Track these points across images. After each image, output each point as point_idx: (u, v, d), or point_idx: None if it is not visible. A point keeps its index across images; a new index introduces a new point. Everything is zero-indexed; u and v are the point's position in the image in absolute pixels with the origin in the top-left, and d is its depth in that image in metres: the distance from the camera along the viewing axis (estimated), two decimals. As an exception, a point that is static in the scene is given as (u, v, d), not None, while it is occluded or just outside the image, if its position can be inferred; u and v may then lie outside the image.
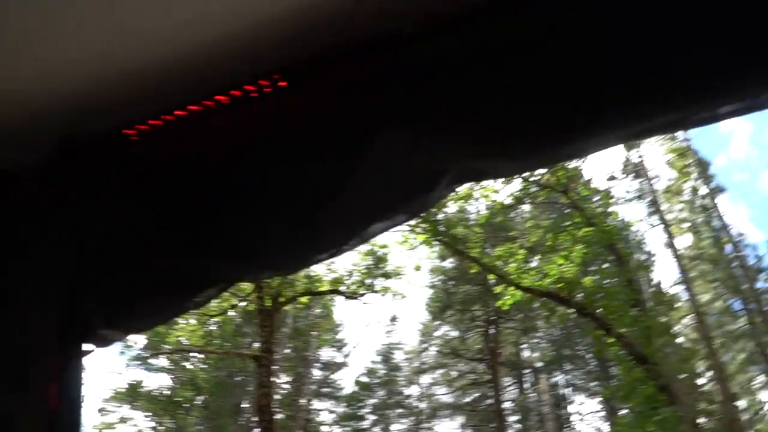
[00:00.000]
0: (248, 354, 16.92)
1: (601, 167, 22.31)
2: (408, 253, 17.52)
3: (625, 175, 22.06)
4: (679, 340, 21.39)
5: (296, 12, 1.26)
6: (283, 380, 28.04)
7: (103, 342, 1.56)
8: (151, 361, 22.47)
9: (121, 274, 1.51)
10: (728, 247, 24.78)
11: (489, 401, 26.50)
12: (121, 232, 1.53)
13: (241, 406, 27.12)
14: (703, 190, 24.74)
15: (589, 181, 16.37)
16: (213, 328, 19.96)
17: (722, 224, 24.71)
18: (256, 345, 16.97)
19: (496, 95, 1.25)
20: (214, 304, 15.08)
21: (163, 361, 23.82)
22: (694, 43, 1.13)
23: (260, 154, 1.45)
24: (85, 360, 1.50)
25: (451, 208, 14.82)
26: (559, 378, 29.24)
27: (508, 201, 15.41)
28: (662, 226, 22.44)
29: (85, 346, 1.52)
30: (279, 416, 21.46)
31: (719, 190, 24.95)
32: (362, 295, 18.52)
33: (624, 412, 17.67)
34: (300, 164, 1.40)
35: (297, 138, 1.41)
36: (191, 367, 25.28)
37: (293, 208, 1.42)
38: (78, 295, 1.47)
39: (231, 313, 18.48)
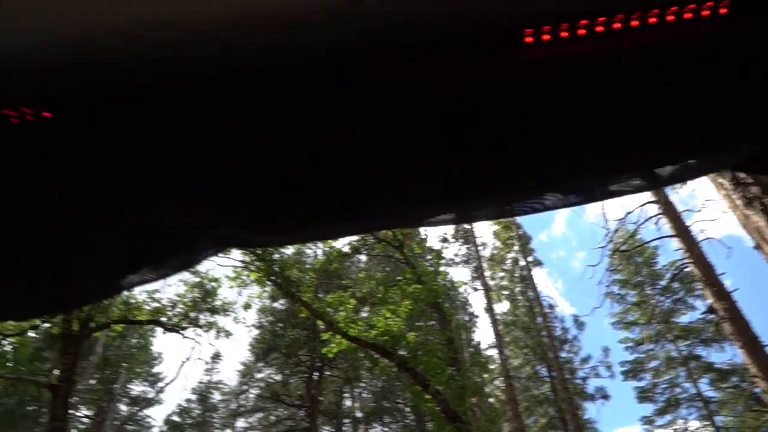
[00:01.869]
0: (43, 382, 15.09)
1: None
2: (238, 289, 16.92)
3: (455, 240, 23.45)
4: (490, 400, 22.66)
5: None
6: (82, 414, 25.37)
7: None
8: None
9: None
10: (539, 318, 27.10)
11: (304, 451, 25.90)
12: None
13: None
14: (523, 262, 27.01)
15: (424, 240, 17.07)
16: (7, 348, 17.62)
17: (536, 295, 27.07)
18: (56, 373, 15.24)
19: (247, 166, 1.19)
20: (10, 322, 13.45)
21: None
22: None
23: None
24: None
25: (289, 249, 14.61)
26: (378, 429, 29.50)
27: (346, 249, 15.53)
28: (484, 290, 23.99)
29: None
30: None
31: (537, 263, 27.43)
32: (184, 328, 17.57)
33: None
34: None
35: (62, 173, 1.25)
36: (-23, 391, 22.06)
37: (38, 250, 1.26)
38: None
39: (31, 334, 16.58)
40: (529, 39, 1.30)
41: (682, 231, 14.83)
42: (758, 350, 13.12)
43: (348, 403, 29.68)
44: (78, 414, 25.29)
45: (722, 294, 14.02)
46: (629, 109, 1.30)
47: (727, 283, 13.84)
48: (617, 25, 1.33)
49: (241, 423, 29.07)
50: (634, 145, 1.29)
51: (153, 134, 1.19)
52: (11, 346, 17.64)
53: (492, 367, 24.00)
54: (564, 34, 1.32)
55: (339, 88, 1.18)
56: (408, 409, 27.95)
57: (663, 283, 26.47)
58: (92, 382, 25.83)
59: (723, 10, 1.33)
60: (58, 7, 1.02)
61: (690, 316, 26.19)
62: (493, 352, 24.90)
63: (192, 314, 17.34)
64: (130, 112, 1.20)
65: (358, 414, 29.04)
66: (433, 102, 1.18)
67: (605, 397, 26.85)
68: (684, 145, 1.28)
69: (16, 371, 18.75)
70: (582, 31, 1.32)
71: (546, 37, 1.30)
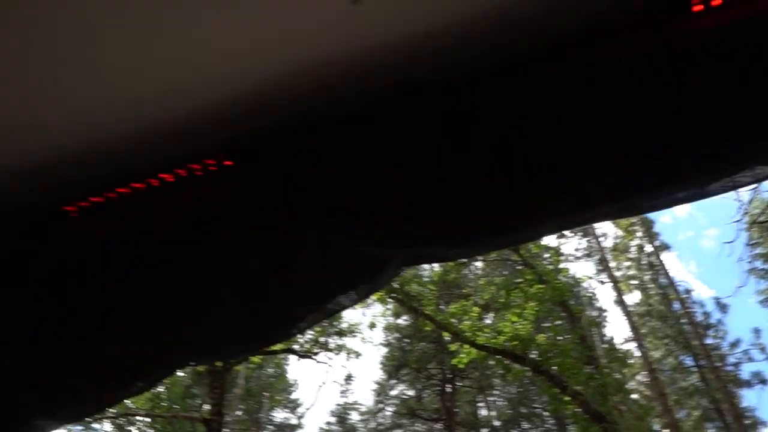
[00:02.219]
0: (198, 417, 16.16)
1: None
2: (362, 310, 17.34)
3: (573, 234, 22.62)
4: (634, 396, 21.49)
5: (235, 95, 1.24)
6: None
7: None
8: (94, 425, 21.22)
9: (55, 362, 1.42)
10: (676, 304, 25.40)
11: (447, 463, 25.84)
12: (56, 315, 1.44)
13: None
14: (649, 248, 25.52)
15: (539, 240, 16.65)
16: (161, 389, 19.10)
17: (669, 281, 25.41)
18: (206, 407, 16.28)
19: (437, 183, 1.22)
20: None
21: (107, 427, 22.53)
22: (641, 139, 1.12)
23: (199, 234, 1.40)
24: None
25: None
26: (518, 437, 28.86)
27: (461, 259, 15.47)
28: (611, 283, 22.91)
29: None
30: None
31: (664, 247, 25.78)
32: (316, 353, 18.16)
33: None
34: (242, 247, 1.36)
35: (238, 223, 1.37)
36: (137, 431, 23.99)
37: (232, 294, 1.36)
38: (11, 384, 1.39)
39: (180, 373, 17.81)
40: (698, 7, 1.18)
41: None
42: None
43: (483, 412, 29.30)
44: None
45: None
46: None
47: None
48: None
49: (381, 441, 29.56)
50: None
51: (344, 167, 1.29)
52: (164, 387, 19.12)
53: (631, 361, 22.78)
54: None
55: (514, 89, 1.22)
56: (547, 414, 27.10)
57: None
58: (238, 413, 27.26)
59: None
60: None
61: None
62: (631, 346, 23.64)
63: (321, 339, 17.93)
64: (313, 147, 1.31)
65: (496, 423, 28.57)
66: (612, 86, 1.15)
67: (763, 381, 24.58)
68: None
69: (171, 409, 20.26)
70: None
71: (716, 1, 1.17)
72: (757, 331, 28.39)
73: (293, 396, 31.39)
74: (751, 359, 25.21)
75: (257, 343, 1.41)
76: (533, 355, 13.67)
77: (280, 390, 30.03)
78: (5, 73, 1.07)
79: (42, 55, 1.05)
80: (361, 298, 1.34)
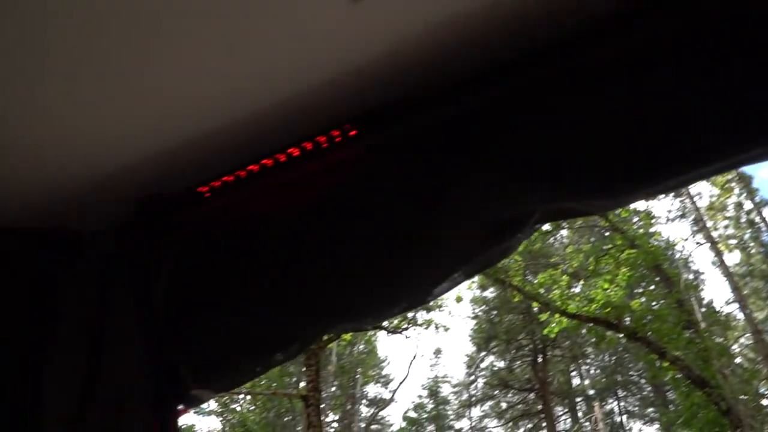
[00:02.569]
0: (295, 394, 16.83)
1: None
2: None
3: (664, 195, 21.55)
4: (738, 360, 20.52)
5: (371, 62, 1.25)
6: (331, 419, 27.80)
7: (194, 403, 1.53)
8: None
9: (208, 332, 1.50)
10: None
11: (542, 432, 25.77)
12: (205, 290, 1.53)
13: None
14: (748, 204, 24.00)
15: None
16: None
17: (772, 238, 23.85)
18: (303, 384, 16.90)
19: (588, 131, 1.19)
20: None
21: (212, 404, 23.93)
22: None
23: (339, 204, 1.42)
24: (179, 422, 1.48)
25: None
26: (614, 405, 28.29)
27: (546, 227, 15.23)
28: (709, 244, 21.79)
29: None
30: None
31: (765, 203, 24.15)
32: (405, 329, 18.38)
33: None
34: (383, 213, 1.37)
35: (377, 187, 1.39)
36: (240, 409, 25.32)
37: (376, 258, 1.37)
38: (170, 355, 1.47)
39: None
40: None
41: None
42: None
43: (577, 381, 28.89)
44: (326, 419, 27.61)
45: None
46: None
47: None
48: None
49: (474, 412, 29.83)
50: None
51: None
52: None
53: (734, 324, 21.72)
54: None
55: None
56: (644, 381, 26.36)
57: None
58: (333, 389, 28.16)
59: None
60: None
61: None
62: (733, 308, 22.49)
63: (410, 314, 18.14)
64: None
65: (590, 391, 28.10)
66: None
67: None
68: None
69: (270, 387, 21.20)
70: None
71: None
72: None
73: (385, 371, 32.06)
74: None
75: (399, 306, 1.39)
76: (627, 321, 13.33)
77: (372, 366, 30.69)
78: (142, 59, 1.12)
79: (178, 38, 1.11)
80: (499, 257, 1.31)
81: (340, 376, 28.13)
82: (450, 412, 31.24)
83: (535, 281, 14.82)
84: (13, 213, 1.56)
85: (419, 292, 1.37)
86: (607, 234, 15.73)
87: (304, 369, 16.57)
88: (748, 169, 24.24)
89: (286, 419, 26.74)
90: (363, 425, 29.98)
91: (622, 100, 1.18)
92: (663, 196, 20.68)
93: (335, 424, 28.42)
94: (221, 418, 25.38)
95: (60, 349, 1.53)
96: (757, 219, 23.96)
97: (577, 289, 14.47)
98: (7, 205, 1.53)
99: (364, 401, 31.40)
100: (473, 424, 29.62)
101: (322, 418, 16.69)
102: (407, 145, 1.37)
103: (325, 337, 16.31)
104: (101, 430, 1.40)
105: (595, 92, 1.20)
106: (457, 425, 30.66)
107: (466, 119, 1.30)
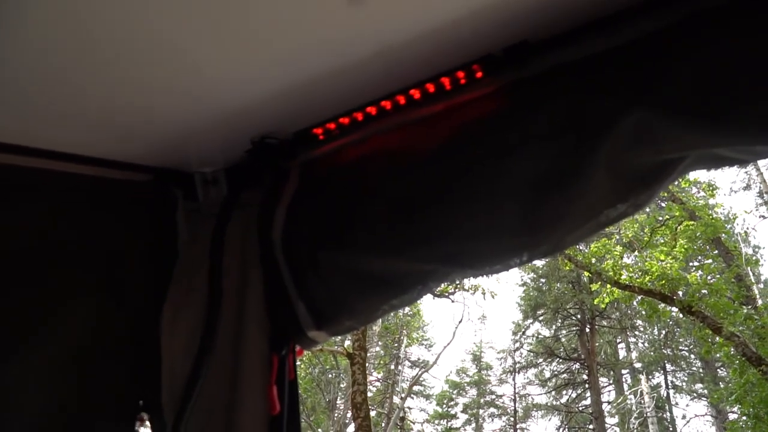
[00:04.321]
0: (342, 351, 17.20)
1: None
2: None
3: (737, 166, 20.59)
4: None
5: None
6: (374, 378, 28.35)
7: (310, 344, 1.54)
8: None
9: (325, 274, 1.48)
10: None
11: (586, 402, 25.67)
12: (323, 231, 1.51)
13: (336, 402, 27.68)
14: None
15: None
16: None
17: None
18: (348, 343, 17.26)
19: (747, 70, 1.06)
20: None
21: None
22: None
23: (470, 147, 1.34)
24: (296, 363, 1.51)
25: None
26: (660, 379, 27.88)
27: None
28: (775, 217, 20.88)
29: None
30: (372, 413, 21.70)
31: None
32: (452, 293, 18.40)
33: (735, 416, 16.58)
34: (518, 155, 1.28)
35: (513, 127, 1.30)
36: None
37: (507, 203, 1.29)
38: (287, 296, 1.47)
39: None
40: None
41: None
42: None
43: (623, 353, 28.52)
44: (370, 378, 28.15)
45: None
46: None
47: None
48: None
49: (518, 379, 29.92)
50: None
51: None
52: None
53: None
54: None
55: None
56: (694, 356, 25.81)
57: None
58: (377, 349, 28.66)
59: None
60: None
61: None
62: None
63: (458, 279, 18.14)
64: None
65: (637, 364, 27.72)
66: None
67: None
68: None
69: (316, 344, 21.71)
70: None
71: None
72: None
73: (428, 334, 32.37)
74: None
75: (522, 255, 1.30)
76: (682, 295, 13.00)
77: (416, 328, 31.01)
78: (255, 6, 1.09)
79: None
80: (641, 204, 1.19)
81: (384, 336, 28.56)
82: (492, 378, 31.44)
83: (587, 250, 14.55)
84: (136, 150, 1.57)
85: (548, 241, 1.28)
86: (664, 204, 15.25)
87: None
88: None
89: (330, 375, 27.40)
90: (405, 385, 30.50)
91: None
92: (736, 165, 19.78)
93: (378, 383, 28.97)
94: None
95: (178, 289, 1.57)
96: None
97: (630, 260, 14.17)
98: (132, 143, 1.54)
99: (407, 362, 31.86)
100: (516, 390, 29.76)
101: (366, 376, 17.07)
102: (547, 84, 1.27)
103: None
104: (222, 368, 1.44)
105: (755, 31, 1.08)
106: (499, 391, 30.87)
107: (614, 57, 1.20)
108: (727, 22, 1.10)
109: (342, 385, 26.60)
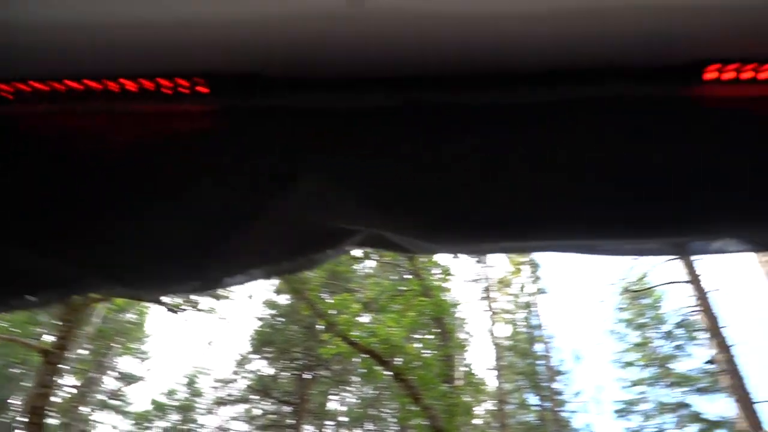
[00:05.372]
0: (36, 346, 15.03)
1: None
2: (244, 279, 16.91)
3: (467, 257, 23.37)
4: (478, 422, 22.54)
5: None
6: (68, 383, 25.34)
7: None
8: None
9: None
10: (538, 346, 26.97)
11: (285, 446, 25.84)
12: None
13: (11, 401, 24.08)
14: (530, 288, 26.93)
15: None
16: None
17: (538, 323, 26.96)
18: (49, 338, 15.21)
19: (423, 172, 1.16)
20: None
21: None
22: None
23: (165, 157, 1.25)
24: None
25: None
26: (359, 435, 29.39)
27: (358, 252, 15.54)
28: (488, 312, 23.93)
29: None
30: (52, 421, 19.23)
31: (543, 291, 27.29)
32: (184, 310, 17.56)
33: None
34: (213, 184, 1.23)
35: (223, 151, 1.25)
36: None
37: (186, 230, 1.24)
38: None
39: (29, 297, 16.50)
40: (711, 75, 1.24)
41: (694, 278, 14.76)
42: (749, 406, 13.09)
43: (334, 405, 29.60)
44: (63, 382, 25.25)
45: (724, 346, 13.96)
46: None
47: (729, 336, 13.79)
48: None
49: (225, 411, 29.04)
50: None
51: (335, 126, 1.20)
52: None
53: (484, 388, 23.88)
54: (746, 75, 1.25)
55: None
56: (393, 420, 27.80)
57: (666, 327, 26.28)
58: (83, 351, 25.83)
59: None
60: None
61: (688, 364, 26.00)
62: (488, 375, 24.81)
63: (194, 297, 17.33)
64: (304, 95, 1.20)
65: (342, 418, 28.94)
66: (616, 125, 1.18)
67: (591, 432, 26.63)
68: None
69: (8, 332, 18.79)
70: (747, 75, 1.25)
71: (729, 75, 1.24)
72: (599, 387, 30.77)
73: (146, 347, 30.19)
74: (586, 411, 27.27)
75: (188, 285, 1.26)
76: (398, 362, 13.94)
77: (135, 338, 28.80)
78: None
79: None
80: (305, 266, 1.25)
81: (95, 339, 25.88)
82: (201, 406, 30.10)
83: (329, 301, 14.95)
84: None
85: (209, 278, 1.28)
86: (407, 276, 16.45)
87: (57, 322, 15.00)
88: (539, 257, 27.29)
89: (15, 370, 23.99)
90: (104, 397, 27.74)
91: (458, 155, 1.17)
92: (471, 257, 22.35)
93: (71, 390, 25.91)
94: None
95: None
96: (533, 302, 26.97)
97: (366, 319, 14.88)
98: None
99: (113, 372, 29.15)
100: (220, 423, 28.80)
101: (57, 379, 15.14)
102: (263, 122, 1.24)
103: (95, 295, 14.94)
104: None
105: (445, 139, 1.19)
106: (204, 420, 29.60)
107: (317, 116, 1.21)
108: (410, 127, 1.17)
109: (26, 385, 23.30)
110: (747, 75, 1.24)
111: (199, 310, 18.45)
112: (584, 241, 1.22)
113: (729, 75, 1.23)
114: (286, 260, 1.24)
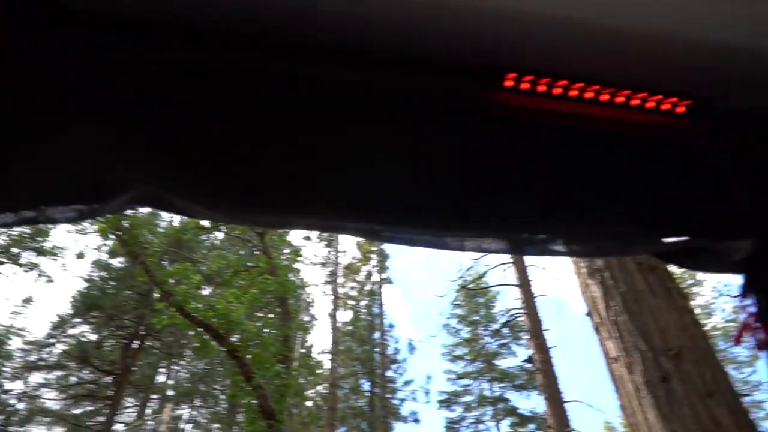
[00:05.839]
0: None
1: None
2: (76, 235, 15.60)
3: (318, 240, 23.43)
4: (308, 404, 22.74)
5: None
6: None
7: None
8: None
9: None
10: (377, 334, 27.81)
11: (101, 418, 24.18)
12: None
13: None
14: (376, 277, 27.65)
15: (287, 232, 16.83)
16: None
17: (380, 312, 27.77)
18: None
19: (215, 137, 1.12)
20: None
21: None
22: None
23: None
24: None
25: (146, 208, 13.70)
26: (186, 412, 28.37)
27: (205, 223, 14.91)
28: (332, 296, 24.18)
29: None
30: None
31: (389, 282, 28.15)
32: (1, 263, 15.98)
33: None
34: None
35: None
36: None
37: None
38: None
39: None
40: (509, 83, 1.31)
41: (524, 282, 15.99)
42: (559, 404, 14.52)
43: (162, 378, 28.29)
44: None
45: (543, 348, 15.32)
46: (572, 177, 1.32)
47: (549, 338, 15.21)
48: (589, 95, 1.37)
49: (35, 377, 26.51)
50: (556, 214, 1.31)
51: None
52: None
53: (319, 371, 24.14)
54: (542, 88, 1.34)
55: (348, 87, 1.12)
56: (223, 397, 27.19)
57: (495, 326, 28.34)
58: None
59: (681, 109, 1.42)
60: None
61: (510, 362, 28.30)
62: (325, 358, 25.08)
63: (14, 250, 15.69)
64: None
65: (170, 392, 27.73)
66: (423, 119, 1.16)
67: (416, 421, 28.00)
68: (620, 227, 1.33)
69: None
70: (558, 91, 1.35)
71: (525, 86, 1.32)
72: (428, 378, 32.45)
73: (-51, 300, 26.68)
74: (415, 399, 28.64)
75: None
76: (235, 338, 13.60)
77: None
78: None
79: None
80: (78, 218, 1.12)
81: None
82: (7, 370, 27.23)
83: (169, 269, 14.18)
84: None
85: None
86: (257, 253, 16.07)
87: None
88: (388, 247, 28.10)
89: None
90: None
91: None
92: (316, 238, 22.35)
93: None
94: None
95: None
96: (377, 292, 27.73)
97: (205, 293, 14.33)
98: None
99: None
100: (27, 389, 26.25)
101: None
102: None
103: None
104: None
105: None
106: (9, 386, 26.79)
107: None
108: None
109: None
110: (542, 88, 1.36)
111: (19, 264, 16.75)
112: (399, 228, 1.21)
113: (525, 86, 1.35)
114: (58, 206, 1.10)
